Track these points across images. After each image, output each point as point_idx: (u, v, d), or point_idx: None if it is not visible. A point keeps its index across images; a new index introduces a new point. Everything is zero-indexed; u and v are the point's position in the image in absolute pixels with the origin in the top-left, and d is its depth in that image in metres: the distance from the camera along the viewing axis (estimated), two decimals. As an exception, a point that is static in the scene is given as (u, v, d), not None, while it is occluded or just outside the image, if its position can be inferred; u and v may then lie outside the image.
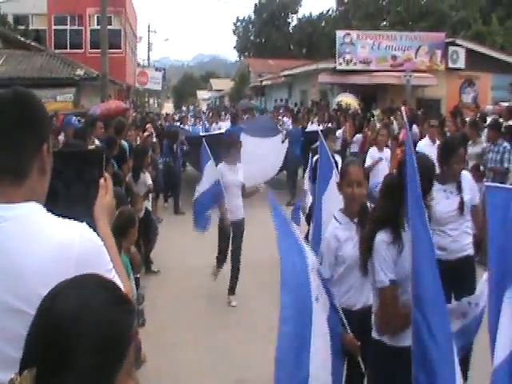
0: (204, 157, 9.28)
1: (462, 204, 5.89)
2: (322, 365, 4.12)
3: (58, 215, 1.96)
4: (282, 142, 16.93)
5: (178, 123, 28.30)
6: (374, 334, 4.01)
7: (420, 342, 3.33)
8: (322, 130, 9.32)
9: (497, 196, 3.27)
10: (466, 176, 6.14)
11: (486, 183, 3.51)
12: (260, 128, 17.28)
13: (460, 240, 5.91)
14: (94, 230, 2.03)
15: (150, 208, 10.43)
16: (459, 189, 5.92)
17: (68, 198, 2.30)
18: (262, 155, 15.35)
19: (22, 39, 29.32)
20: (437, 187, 5.62)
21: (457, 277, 5.52)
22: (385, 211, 3.89)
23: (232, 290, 8.80)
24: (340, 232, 4.54)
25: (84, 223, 1.99)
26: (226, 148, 9.14)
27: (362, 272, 4.06)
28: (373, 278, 3.90)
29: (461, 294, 5.04)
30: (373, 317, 4.07)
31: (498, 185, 3.53)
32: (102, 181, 2.32)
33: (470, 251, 6.00)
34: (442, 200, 5.87)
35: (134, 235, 5.21)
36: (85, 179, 2.34)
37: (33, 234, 1.87)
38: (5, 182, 1.94)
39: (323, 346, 4.20)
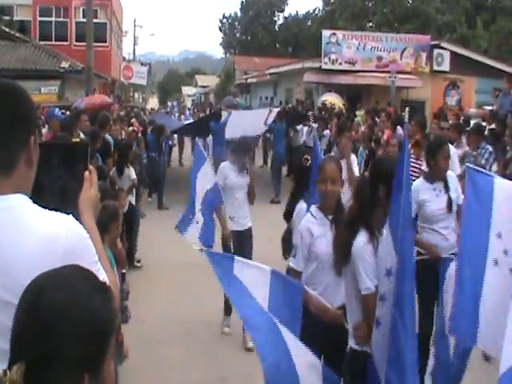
0: (198, 158, 8.18)
1: (450, 202, 6.01)
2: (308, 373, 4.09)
3: (44, 207, 1.96)
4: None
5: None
6: (355, 346, 3.95)
7: (396, 342, 3.36)
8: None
9: (477, 178, 3.36)
10: (452, 176, 6.27)
11: (467, 164, 3.57)
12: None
13: (450, 238, 6.00)
14: (80, 223, 2.03)
15: (133, 203, 10.40)
16: (446, 187, 6.04)
17: (53, 191, 2.29)
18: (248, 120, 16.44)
19: (7, 30, 29.06)
20: (426, 186, 6.04)
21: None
22: (357, 212, 3.92)
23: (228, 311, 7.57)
24: (314, 227, 4.58)
25: (70, 216, 1.99)
26: (235, 149, 7.78)
27: (336, 272, 4.08)
28: (354, 284, 3.86)
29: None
30: (351, 329, 4.00)
31: (479, 168, 3.61)
32: (86, 174, 2.31)
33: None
34: (433, 198, 6.04)
35: (117, 230, 5.17)
36: (69, 172, 2.32)
37: (20, 225, 1.87)
38: None
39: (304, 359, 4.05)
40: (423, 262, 5.43)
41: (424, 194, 6.03)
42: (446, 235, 6.01)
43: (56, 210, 1.97)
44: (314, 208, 4.71)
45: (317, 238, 4.53)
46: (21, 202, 1.92)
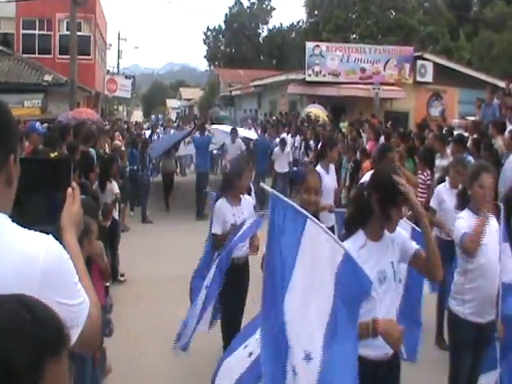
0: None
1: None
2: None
3: (23, 225, 1.92)
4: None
5: (149, 131, 28.49)
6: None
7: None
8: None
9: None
10: None
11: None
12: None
13: None
14: (60, 242, 1.99)
15: (116, 217, 10.34)
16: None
17: (33, 207, 2.25)
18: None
19: (-11, 43, 29.01)
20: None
21: None
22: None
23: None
24: None
25: (50, 235, 1.95)
26: (228, 180, 6.73)
27: None
28: None
29: None
30: None
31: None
32: (69, 190, 2.27)
33: None
34: None
35: (91, 246, 5.10)
36: (51, 188, 2.28)
37: None
38: None
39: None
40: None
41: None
42: None
43: (36, 227, 1.93)
44: None
45: None
46: None
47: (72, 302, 1.94)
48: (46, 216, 2.26)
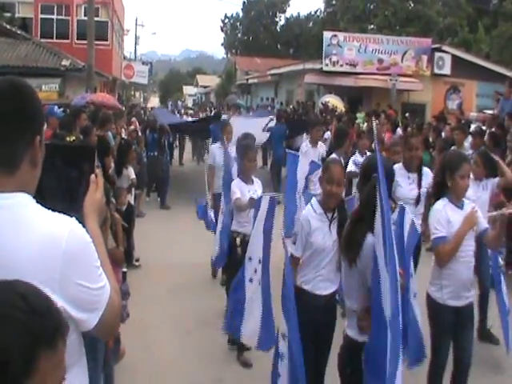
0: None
1: (419, 195, 6.88)
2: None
3: (47, 208, 1.95)
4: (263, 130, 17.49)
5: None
6: (355, 336, 4.13)
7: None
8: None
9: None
10: (428, 172, 7.11)
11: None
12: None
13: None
14: (83, 226, 2.01)
15: (132, 202, 10.38)
16: (420, 182, 6.93)
17: (57, 192, 2.28)
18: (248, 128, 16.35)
19: (8, 27, 29.02)
20: (402, 172, 6.92)
21: None
22: (361, 211, 4.12)
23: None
24: (313, 220, 4.82)
25: (74, 218, 1.97)
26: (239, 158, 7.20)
27: (348, 264, 4.11)
28: (362, 277, 4.01)
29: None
30: (355, 318, 4.13)
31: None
32: (92, 177, 2.29)
33: None
34: (405, 184, 6.90)
35: (105, 233, 5.11)
36: (75, 174, 2.31)
37: (23, 224, 1.86)
38: None
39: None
40: None
41: (398, 178, 6.48)
42: None
43: (60, 212, 1.95)
44: (315, 202, 4.95)
45: (315, 230, 4.78)
46: (24, 201, 1.92)
47: (93, 285, 1.96)
48: (69, 201, 2.28)
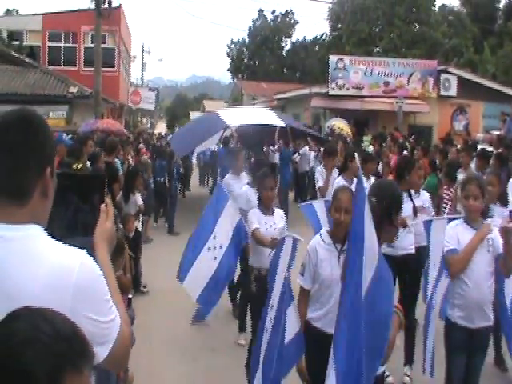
0: (218, 198, 7.22)
1: (414, 208, 6.91)
2: None
3: (56, 237, 1.94)
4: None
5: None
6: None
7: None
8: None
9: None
10: (426, 194, 7.51)
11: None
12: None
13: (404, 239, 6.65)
14: (93, 257, 2.00)
15: (140, 229, 10.38)
16: (410, 196, 6.92)
17: (67, 222, 2.26)
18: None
19: (16, 55, 29.34)
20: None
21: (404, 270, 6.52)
22: None
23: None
24: (321, 250, 4.66)
25: (84, 251, 1.96)
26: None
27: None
28: None
29: (405, 285, 6.71)
30: None
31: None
32: (103, 206, 2.29)
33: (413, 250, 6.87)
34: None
35: (121, 263, 5.14)
36: (85, 203, 2.30)
37: (33, 257, 1.84)
38: (7, 202, 1.91)
39: None
40: None
41: None
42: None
43: (69, 243, 1.94)
44: (324, 231, 4.80)
45: (323, 261, 4.61)
46: (34, 233, 1.90)
47: (103, 318, 1.95)
48: (79, 231, 2.26)
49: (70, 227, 2.25)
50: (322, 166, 10.67)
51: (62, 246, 1.92)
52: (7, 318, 1.48)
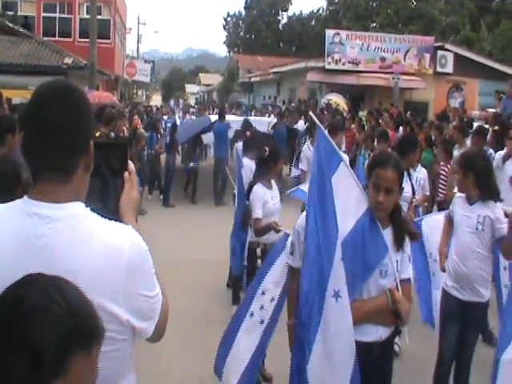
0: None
1: (412, 187, 6.96)
2: None
3: (100, 214, 1.91)
4: None
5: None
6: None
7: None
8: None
9: None
10: (423, 170, 7.63)
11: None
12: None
13: None
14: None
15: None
16: (409, 175, 6.79)
17: (93, 191, 2.13)
18: None
19: (11, 25, 29.04)
20: None
21: None
22: None
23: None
24: None
25: (130, 226, 1.96)
26: (265, 165, 6.72)
27: None
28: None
29: None
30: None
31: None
32: (126, 174, 2.20)
33: None
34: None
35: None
36: (109, 172, 2.21)
37: (82, 237, 1.81)
38: (55, 180, 1.86)
39: None
40: None
41: None
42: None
43: (97, 211, 1.91)
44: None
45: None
46: (80, 211, 1.86)
47: (152, 293, 1.96)
48: (106, 200, 2.20)
49: (96, 196, 2.16)
50: (310, 141, 10.60)
51: (109, 223, 1.90)
52: (22, 282, 1.42)
